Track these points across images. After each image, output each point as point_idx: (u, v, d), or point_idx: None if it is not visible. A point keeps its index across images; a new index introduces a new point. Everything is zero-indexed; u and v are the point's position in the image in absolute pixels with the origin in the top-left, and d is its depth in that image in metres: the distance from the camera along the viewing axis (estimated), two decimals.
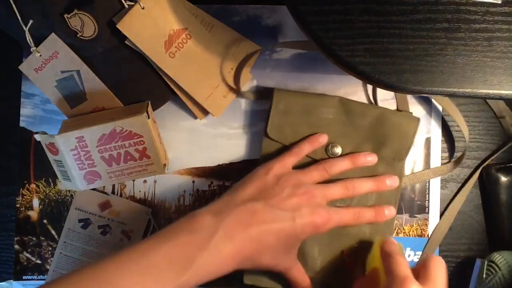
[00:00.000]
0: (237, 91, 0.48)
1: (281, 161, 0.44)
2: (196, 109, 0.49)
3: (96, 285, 0.34)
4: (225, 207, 0.40)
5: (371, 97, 0.49)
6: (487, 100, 0.49)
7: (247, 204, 0.40)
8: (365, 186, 0.45)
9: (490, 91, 0.34)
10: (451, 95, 0.35)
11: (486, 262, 0.46)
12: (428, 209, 0.49)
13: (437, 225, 0.48)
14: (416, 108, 0.49)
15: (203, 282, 0.37)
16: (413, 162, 0.49)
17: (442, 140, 0.49)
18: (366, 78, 0.35)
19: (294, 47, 0.49)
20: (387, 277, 0.38)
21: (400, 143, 0.46)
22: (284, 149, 0.46)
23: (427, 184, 0.49)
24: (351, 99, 0.47)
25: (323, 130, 0.46)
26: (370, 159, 0.46)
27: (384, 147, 0.46)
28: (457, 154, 0.50)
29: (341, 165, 0.45)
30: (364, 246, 0.46)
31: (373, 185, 0.45)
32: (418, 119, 0.47)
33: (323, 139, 0.46)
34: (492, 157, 0.49)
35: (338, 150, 0.46)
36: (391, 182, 0.46)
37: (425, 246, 0.49)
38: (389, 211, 0.46)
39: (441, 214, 0.49)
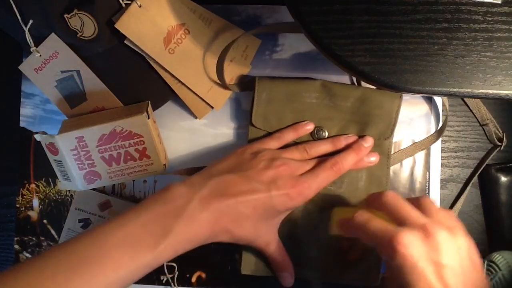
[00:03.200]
0: (222, 84, 0.48)
1: (261, 143, 0.44)
2: (195, 108, 0.49)
3: (70, 262, 0.34)
4: (200, 179, 0.40)
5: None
6: (470, 108, 0.49)
7: (222, 175, 0.40)
8: (346, 160, 0.43)
9: (490, 91, 0.34)
10: (451, 95, 0.35)
11: (486, 262, 0.46)
12: None
13: None
14: (416, 108, 0.49)
15: (180, 251, 0.37)
16: (413, 162, 0.49)
17: (442, 140, 0.49)
18: (366, 78, 0.35)
19: (277, 30, 0.49)
20: (380, 249, 0.35)
21: (385, 122, 0.46)
22: None
23: (427, 184, 0.49)
24: (333, 81, 0.47)
25: (307, 115, 0.47)
26: (351, 141, 0.46)
27: (369, 127, 0.46)
28: (457, 154, 0.50)
29: (322, 147, 0.45)
30: None
31: (353, 157, 0.44)
32: (400, 96, 0.46)
33: (310, 127, 0.46)
34: (481, 167, 0.49)
35: (324, 134, 0.46)
36: (369, 142, 0.45)
37: None
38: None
39: None
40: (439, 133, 0.48)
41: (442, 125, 0.48)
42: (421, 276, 0.32)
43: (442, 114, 0.49)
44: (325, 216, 0.46)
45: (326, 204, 0.46)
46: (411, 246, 0.33)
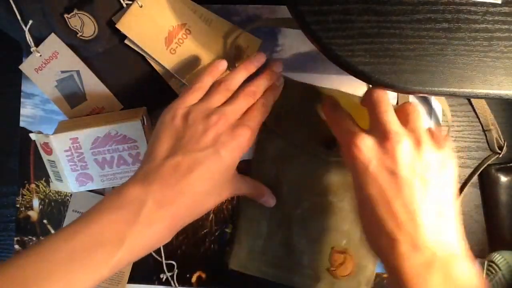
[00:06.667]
0: None
1: (183, 99, 0.41)
2: None
3: (14, 283, 0.31)
4: (149, 171, 0.37)
5: None
6: (476, 113, 0.49)
7: (167, 161, 0.37)
8: (261, 81, 0.43)
9: (490, 91, 0.34)
10: (451, 95, 0.35)
11: (486, 262, 0.46)
12: None
13: None
14: None
15: (140, 256, 0.35)
16: None
17: None
18: (366, 78, 0.35)
19: (276, 25, 0.49)
20: (373, 125, 0.35)
21: None
22: (282, 141, 0.46)
23: None
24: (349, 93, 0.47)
25: (323, 124, 0.46)
26: (262, 61, 0.45)
27: None
28: (457, 154, 0.50)
29: (239, 77, 0.43)
30: (353, 246, 0.46)
31: (267, 81, 0.43)
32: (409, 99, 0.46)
33: (223, 65, 0.44)
34: (478, 172, 0.48)
35: None
36: (277, 67, 0.45)
37: None
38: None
39: None
40: None
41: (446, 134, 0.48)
42: (373, 180, 0.32)
43: (442, 121, 0.49)
44: (321, 226, 0.46)
45: (324, 214, 0.46)
46: (365, 150, 0.33)
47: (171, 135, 0.39)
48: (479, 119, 0.49)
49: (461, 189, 0.49)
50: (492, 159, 0.49)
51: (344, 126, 0.35)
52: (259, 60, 0.44)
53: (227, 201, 0.49)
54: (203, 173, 0.37)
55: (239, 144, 0.38)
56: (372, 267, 0.46)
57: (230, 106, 0.40)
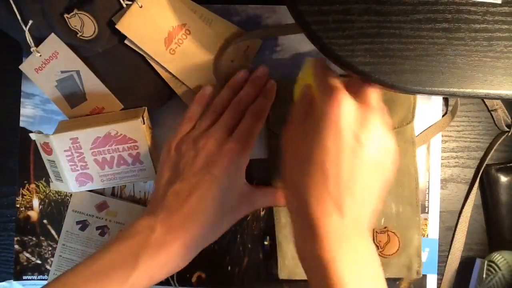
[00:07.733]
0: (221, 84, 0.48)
1: (177, 133, 0.44)
2: None
3: None
4: (155, 204, 0.40)
5: None
6: None
7: (168, 190, 0.40)
8: (246, 90, 0.44)
9: (490, 91, 0.34)
10: (451, 95, 0.35)
11: (486, 262, 0.46)
12: (428, 209, 0.49)
13: (454, 238, 0.49)
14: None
15: (157, 277, 0.37)
16: None
17: (442, 140, 0.49)
18: (366, 78, 0.35)
19: (275, 34, 0.49)
20: (319, 91, 0.35)
21: (404, 106, 0.46)
22: None
23: (427, 184, 0.49)
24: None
25: None
26: (245, 77, 0.46)
27: (390, 115, 0.46)
28: (457, 154, 0.50)
29: (226, 97, 0.45)
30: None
31: (252, 88, 0.45)
32: None
33: (208, 91, 0.45)
34: (489, 154, 0.48)
35: None
36: (261, 72, 0.46)
37: (447, 258, 0.49)
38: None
39: (456, 224, 0.49)
40: (452, 113, 0.48)
41: (455, 104, 0.48)
42: (336, 134, 0.32)
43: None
44: None
45: None
46: (345, 107, 0.32)
47: (169, 167, 0.42)
48: (483, 99, 0.49)
49: (472, 183, 0.49)
50: (501, 138, 0.48)
51: (333, 82, 0.35)
52: (243, 77, 0.46)
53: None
54: (203, 194, 0.39)
55: (230, 159, 0.40)
56: (418, 237, 0.46)
57: (216, 126, 0.42)
